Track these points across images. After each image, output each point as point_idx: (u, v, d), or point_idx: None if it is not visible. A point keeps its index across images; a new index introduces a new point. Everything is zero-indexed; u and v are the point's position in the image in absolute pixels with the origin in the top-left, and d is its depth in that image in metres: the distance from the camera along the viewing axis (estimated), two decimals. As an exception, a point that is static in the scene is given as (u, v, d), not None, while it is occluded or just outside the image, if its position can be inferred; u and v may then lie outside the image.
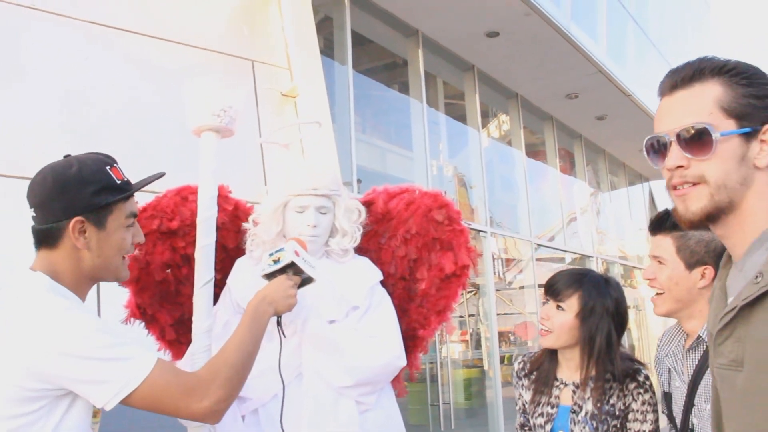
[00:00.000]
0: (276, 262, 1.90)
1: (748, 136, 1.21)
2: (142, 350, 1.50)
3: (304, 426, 2.13)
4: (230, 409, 2.09)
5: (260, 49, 5.33)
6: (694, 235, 1.93)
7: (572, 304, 2.17)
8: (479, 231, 8.52)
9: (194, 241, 2.21)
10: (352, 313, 2.31)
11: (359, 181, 6.64)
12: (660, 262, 1.97)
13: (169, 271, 2.38)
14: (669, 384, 2.08)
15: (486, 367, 8.51)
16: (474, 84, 8.73)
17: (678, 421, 2.00)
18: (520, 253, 10.09)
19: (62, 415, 1.46)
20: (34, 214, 1.59)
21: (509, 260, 10.16)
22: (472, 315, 9.30)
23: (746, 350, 1.14)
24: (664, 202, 13.14)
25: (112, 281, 1.70)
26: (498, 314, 8.92)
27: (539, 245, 10.17)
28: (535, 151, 10.85)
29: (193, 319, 1.98)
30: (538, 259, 10.06)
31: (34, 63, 4.04)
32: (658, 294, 2.00)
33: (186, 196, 2.35)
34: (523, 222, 9.78)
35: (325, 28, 6.70)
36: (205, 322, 1.98)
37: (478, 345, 8.97)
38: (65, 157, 1.63)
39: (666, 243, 1.96)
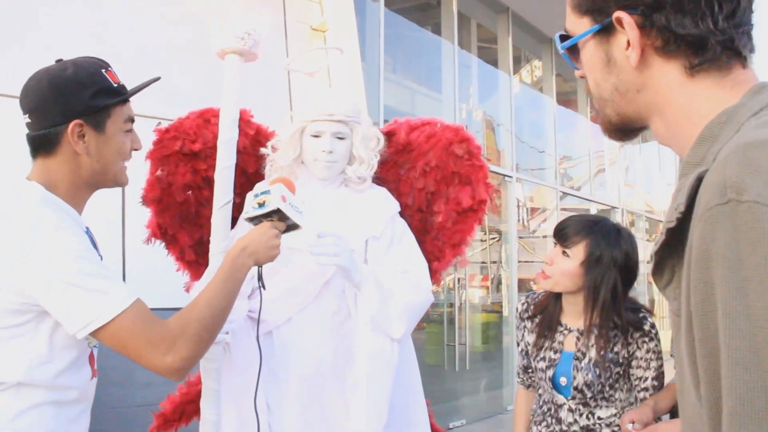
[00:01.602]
0: (261, 205, 1.75)
1: (607, 34, 0.95)
2: (119, 287, 1.45)
3: (363, 375, 2.15)
4: (245, 330, 2.16)
5: (291, -19, 5.28)
6: None
7: (578, 251, 2.11)
8: (505, 176, 8.48)
9: (215, 164, 2.25)
10: (372, 243, 2.33)
11: (386, 121, 6.62)
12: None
13: (190, 192, 2.40)
14: None
15: (505, 313, 8.58)
16: (507, 27, 8.57)
17: None
18: (545, 202, 10.05)
19: (53, 327, 1.45)
20: (29, 120, 1.55)
21: (534, 209, 10.13)
22: (495, 261, 9.32)
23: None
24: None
25: (112, 187, 1.66)
26: (519, 262, 8.94)
27: (564, 194, 10.10)
28: (566, 100, 10.69)
29: (211, 239, 2.02)
30: (562, 209, 10.01)
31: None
32: None
33: (208, 119, 2.36)
34: (550, 170, 9.71)
35: (357, -38, 6.60)
36: (222, 243, 2.00)
37: (498, 290, 9.02)
38: (57, 61, 1.59)
39: None
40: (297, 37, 5.12)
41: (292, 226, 1.80)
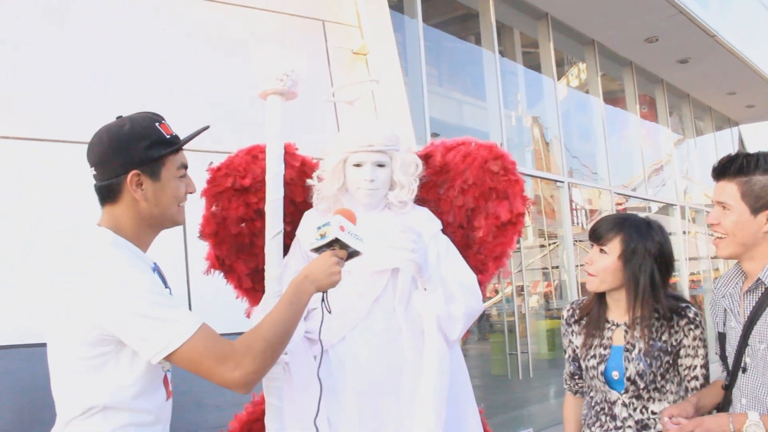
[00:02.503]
0: (323, 236, 1.89)
1: None
2: (187, 314, 1.60)
3: (432, 372, 2.25)
4: (302, 350, 2.29)
5: (330, 8, 5.42)
6: (759, 180, 1.96)
7: (614, 246, 2.22)
8: (556, 181, 8.46)
9: (265, 197, 2.39)
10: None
11: (434, 135, 6.71)
12: (724, 207, 2.00)
13: (243, 225, 2.56)
14: (724, 324, 2.12)
15: (566, 317, 8.50)
16: (548, 32, 8.57)
17: (730, 360, 2.05)
18: (602, 204, 9.96)
19: (131, 355, 1.61)
20: (95, 173, 1.72)
21: (592, 211, 10.05)
22: (556, 266, 9.28)
23: None
24: (754, 147, 12.67)
25: (171, 227, 1.81)
26: (579, 266, 8.89)
27: (619, 194, 10.00)
28: (614, 98, 10.60)
29: (266, 267, 2.15)
30: (623, 209, 9.90)
31: (102, 33, 4.22)
32: (719, 238, 2.03)
33: (256, 155, 2.51)
34: (603, 172, 9.63)
35: (395, -17, 6.73)
36: (276, 270, 2.14)
37: (562, 296, 8.97)
38: (118, 118, 1.76)
39: (731, 188, 1.99)
40: (339, 62, 5.26)
41: (353, 253, 1.92)
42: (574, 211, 9.54)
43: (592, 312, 2.33)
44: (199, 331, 1.57)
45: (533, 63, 8.82)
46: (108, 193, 1.72)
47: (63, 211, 3.61)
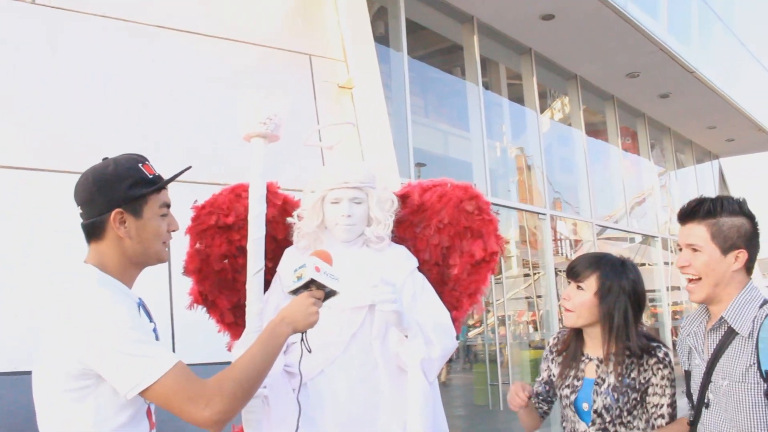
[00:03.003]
0: (299, 278, 1.91)
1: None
2: (163, 352, 1.64)
3: (417, 413, 2.33)
4: (282, 384, 2.34)
5: (317, 43, 5.52)
6: (726, 221, 2.04)
7: (591, 284, 2.31)
8: (539, 213, 8.56)
9: (248, 236, 2.47)
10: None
11: (419, 164, 6.80)
12: (695, 249, 2.07)
13: (226, 261, 2.64)
14: (689, 363, 2.20)
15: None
16: (531, 67, 8.73)
17: (695, 397, 2.12)
18: (584, 235, 10.07)
19: (112, 389, 1.65)
20: (81, 211, 1.80)
21: (577, 241, 10.15)
22: (540, 296, 9.36)
23: None
24: (734, 179, 12.77)
25: (156, 264, 1.88)
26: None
27: (601, 226, 10.12)
28: (595, 131, 10.76)
29: (246, 303, 2.22)
30: (606, 238, 10.00)
31: (97, 66, 4.29)
32: (691, 281, 2.11)
33: (239, 193, 2.60)
34: (584, 203, 9.76)
35: (380, 17, 6.87)
36: (257, 305, 2.21)
37: (546, 326, 9.03)
38: (103, 159, 1.85)
39: (700, 230, 2.06)
40: (325, 96, 5.35)
41: (330, 293, 1.96)
42: (558, 242, 9.64)
43: (570, 345, 2.43)
44: (173, 369, 1.61)
45: (517, 95, 8.97)
46: (93, 231, 1.79)
47: (47, 243, 3.65)
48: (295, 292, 1.94)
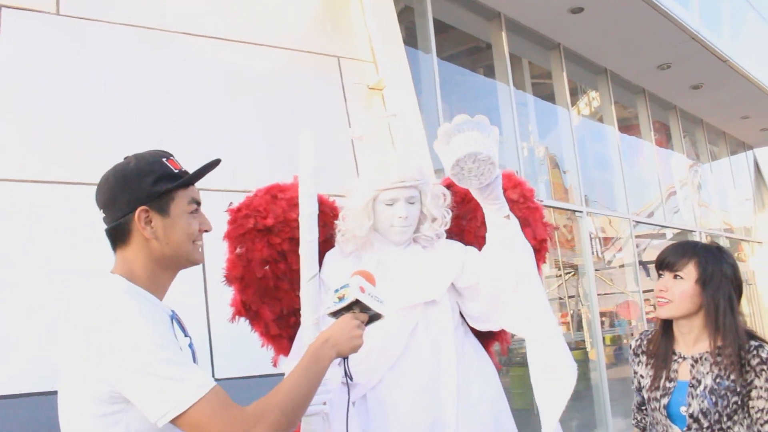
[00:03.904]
0: (341, 299, 1.78)
1: None
2: (198, 374, 1.49)
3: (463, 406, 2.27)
4: (342, 398, 2.20)
5: (345, 44, 5.43)
6: None
7: (690, 271, 2.17)
8: (574, 211, 8.38)
9: (288, 238, 2.34)
10: (456, 282, 2.40)
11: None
12: None
13: (267, 267, 2.47)
14: None
15: (588, 349, 8.38)
16: (561, 62, 8.57)
17: None
18: (618, 232, 9.87)
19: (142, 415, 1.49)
20: (104, 215, 1.65)
21: (607, 239, 9.96)
22: (572, 296, 9.18)
23: None
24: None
25: (187, 266, 1.72)
26: (598, 294, 8.77)
27: (637, 222, 9.91)
28: (628, 126, 10.58)
29: (302, 312, 2.07)
30: (637, 236, 9.81)
31: (122, 74, 4.21)
32: None
33: (275, 194, 2.45)
34: (620, 199, 9.56)
35: (407, 17, 6.74)
36: (312, 315, 2.06)
37: (579, 327, 8.85)
38: (125, 158, 1.70)
39: None
40: (355, 98, 5.25)
41: (374, 317, 1.82)
42: (591, 240, 9.46)
43: (660, 344, 2.27)
44: (209, 395, 1.46)
45: (546, 93, 8.81)
46: (118, 235, 1.64)
47: (72, 255, 3.56)
48: (336, 314, 1.80)
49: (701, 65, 9.49)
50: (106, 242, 1.69)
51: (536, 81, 8.84)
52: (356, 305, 1.78)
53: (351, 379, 1.89)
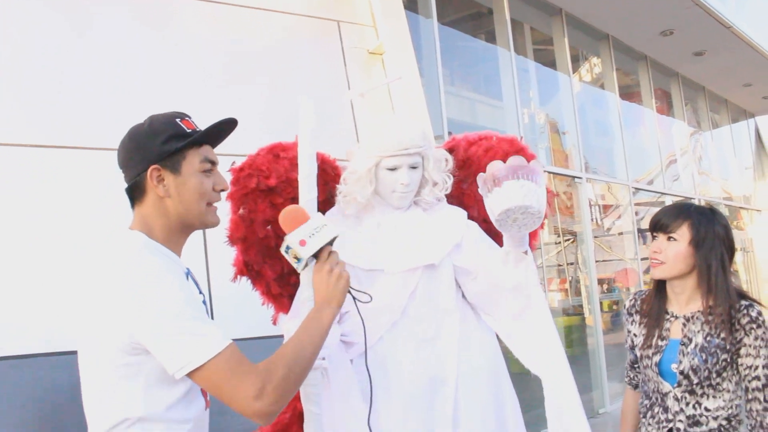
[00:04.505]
0: (298, 260, 1.76)
1: None
2: (216, 331, 1.52)
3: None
4: (340, 355, 2.25)
5: (345, 9, 5.40)
6: None
7: (684, 233, 2.21)
8: (574, 177, 8.40)
9: (290, 198, 2.35)
10: (454, 251, 2.42)
11: (451, 134, 6.65)
12: None
13: (269, 228, 2.47)
14: None
15: (586, 315, 8.46)
16: (562, 28, 8.52)
17: None
18: (618, 199, 9.90)
19: (162, 366, 1.54)
20: (123, 175, 1.70)
21: (607, 206, 9.99)
22: (571, 263, 9.23)
23: None
24: (771, 138, 12.48)
25: (201, 227, 1.75)
26: (597, 261, 8.82)
27: (637, 189, 9.93)
28: (629, 93, 10.54)
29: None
30: (636, 204, 9.84)
31: (118, 39, 4.20)
32: None
33: (277, 153, 2.45)
34: (620, 166, 9.57)
35: (407, -18, 6.70)
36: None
37: (577, 293, 8.91)
38: (145, 120, 1.74)
39: None
40: (355, 62, 5.23)
41: (332, 240, 1.79)
42: (590, 208, 9.49)
43: (653, 303, 2.32)
44: (225, 351, 1.50)
45: (548, 59, 8.77)
46: (135, 193, 1.70)
47: (87, 219, 3.59)
48: (306, 266, 1.80)
49: (704, 31, 9.42)
50: (114, 206, 1.72)
51: (538, 47, 8.79)
52: (315, 255, 1.77)
53: (371, 299, 1.89)
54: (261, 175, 2.43)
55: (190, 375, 1.50)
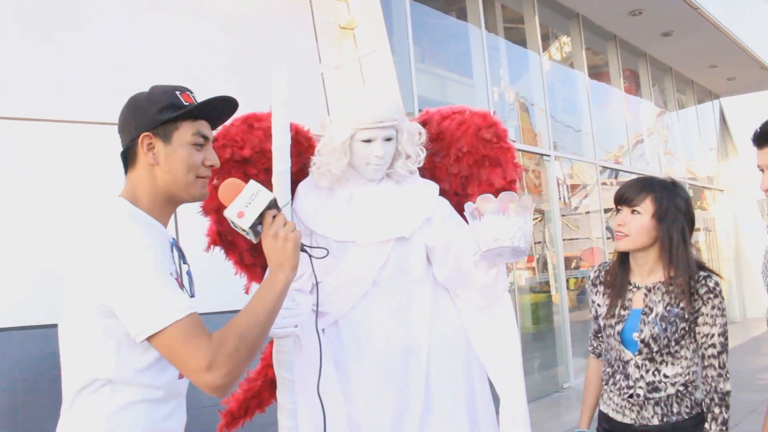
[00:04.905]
0: (245, 232, 1.72)
1: None
2: (180, 301, 1.53)
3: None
4: (310, 324, 2.27)
5: (316, -17, 5.37)
6: None
7: (647, 206, 2.27)
8: (542, 155, 8.48)
9: (265, 168, 2.36)
10: (425, 225, 2.46)
11: (421, 111, 6.65)
12: None
13: None
14: None
15: (553, 292, 8.60)
16: (533, 6, 8.57)
17: None
18: (585, 178, 10.02)
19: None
20: (121, 140, 1.73)
21: (574, 185, 10.10)
22: (539, 242, 9.34)
23: None
24: (734, 119, 12.79)
25: (189, 200, 1.76)
26: (564, 240, 8.95)
27: (604, 168, 10.06)
28: (598, 73, 10.64)
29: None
30: (603, 183, 9.97)
31: (92, 20, 4.17)
32: None
33: (252, 124, 2.44)
34: (587, 145, 9.68)
35: (380, -42, 6.66)
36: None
37: (544, 270, 9.03)
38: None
39: None
40: (326, 36, 5.22)
41: (272, 203, 1.73)
42: (558, 186, 9.59)
43: (617, 274, 2.38)
44: (184, 320, 1.50)
45: (518, 38, 8.81)
46: (127, 159, 1.73)
47: (60, 193, 3.57)
48: (257, 235, 1.75)
49: (672, 12, 9.53)
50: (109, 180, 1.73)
51: (508, 25, 8.81)
52: (257, 222, 1.71)
53: (327, 253, 1.86)
54: (235, 145, 2.42)
55: (150, 340, 1.52)
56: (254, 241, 1.77)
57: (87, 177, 3.67)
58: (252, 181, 1.75)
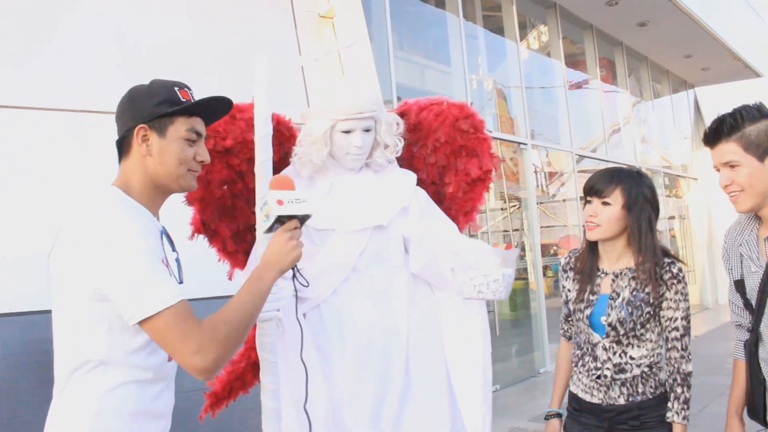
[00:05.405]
0: (267, 217, 1.81)
1: None
2: (171, 287, 1.61)
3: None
4: (292, 308, 2.34)
5: (296, -29, 5.39)
6: (751, 129, 2.04)
7: (617, 197, 2.35)
8: (520, 144, 8.57)
9: (247, 159, 2.42)
10: (402, 215, 2.53)
11: (399, 99, 6.72)
12: (732, 166, 2.08)
13: (225, 187, 2.55)
14: (742, 271, 2.23)
15: (530, 279, 8.71)
16: (511, -5, 8.61)
17: (754, 303, 2.16)
18: (562, 166, 10.12)
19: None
20: (117, 129, 1.80)
21: (552, 173, 10.20)
22: (516, 229, 9.43)
23: None
24: (708, 109, 12.91)
25: (179, 191, 1.85)
26: (541, 227, 9.06)
27: (581, 156, 10.17)
28: (575, 62, 10.73)
29: (257, 229, 2.17)
30: (580, 171, 10.09)
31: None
32: (736, 193, 2.10)
33: (234, 114, 2.48)
34: (564, 134, 9.78)
35: (359, -54, 6.68)
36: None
37: (522, 257, 9.13)
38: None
39: (731, 147, 2.06)
40: (306, 25, 5.25)
41: (304, 218, 1.85)
42: (535, 174, 9.70)
43: (586, 261, 2.47)
44: (176, 306, 1.58)
45: (496, 26, 8.87)
46: (122, 147, 1.79)
47: (50, 183, 3.59)
48: (270, 229, 1.85)
49: (648, 2, 9.64)
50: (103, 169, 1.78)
51: (487, 13, 8.86)
52: (282, 217, 1.82)
53: (307, 284, 2.01)
54: (218, 136, 2.47)
55: (141, 324, 1.59)
56: (263, 229, 1.86)
57: (74, 165, 3.69)
58: (305, 192, 1.86)
